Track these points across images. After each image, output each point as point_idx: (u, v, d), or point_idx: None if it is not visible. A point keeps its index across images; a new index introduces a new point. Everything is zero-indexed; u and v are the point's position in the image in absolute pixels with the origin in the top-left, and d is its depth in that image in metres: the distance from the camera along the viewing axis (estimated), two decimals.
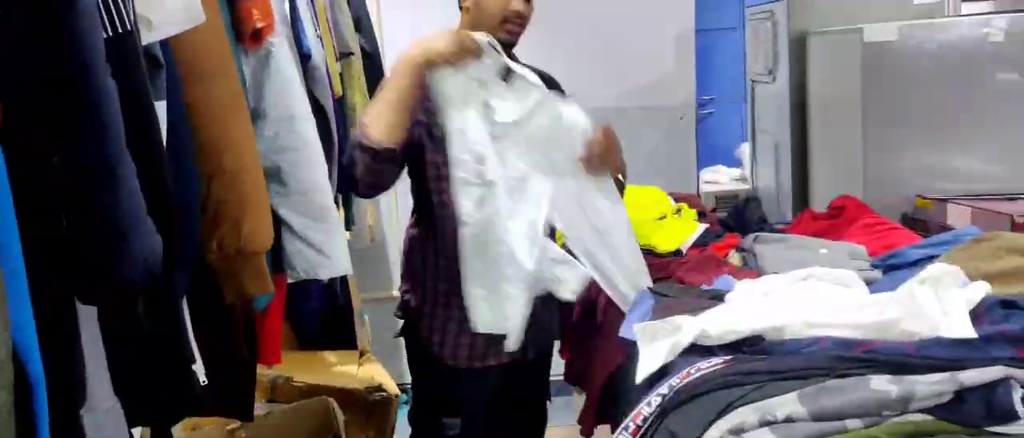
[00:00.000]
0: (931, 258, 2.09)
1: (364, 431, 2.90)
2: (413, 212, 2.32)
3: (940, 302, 1.58)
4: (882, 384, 1.44)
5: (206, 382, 1.43)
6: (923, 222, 3.20)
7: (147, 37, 1.18)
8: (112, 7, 1.00)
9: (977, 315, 1.55)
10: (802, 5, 3.99)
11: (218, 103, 1.44)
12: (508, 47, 2.19)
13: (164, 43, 1.27)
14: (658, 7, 4.23)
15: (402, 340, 2.37)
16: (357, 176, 2.01)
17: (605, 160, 2.15)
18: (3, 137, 0.81)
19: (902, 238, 2.57)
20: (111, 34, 1.00)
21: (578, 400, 2.95)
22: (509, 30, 2.18)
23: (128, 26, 1.04)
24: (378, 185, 2.08)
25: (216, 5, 1.49)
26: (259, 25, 1.65)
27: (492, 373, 2.27)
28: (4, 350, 0.71)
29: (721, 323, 1.79)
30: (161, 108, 1.21)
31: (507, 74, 2.06)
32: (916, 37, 3.38)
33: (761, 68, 4.30)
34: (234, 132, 1.48)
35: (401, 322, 2.34)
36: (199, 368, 1.42)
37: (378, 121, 1.97)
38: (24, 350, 0.80)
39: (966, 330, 1.49)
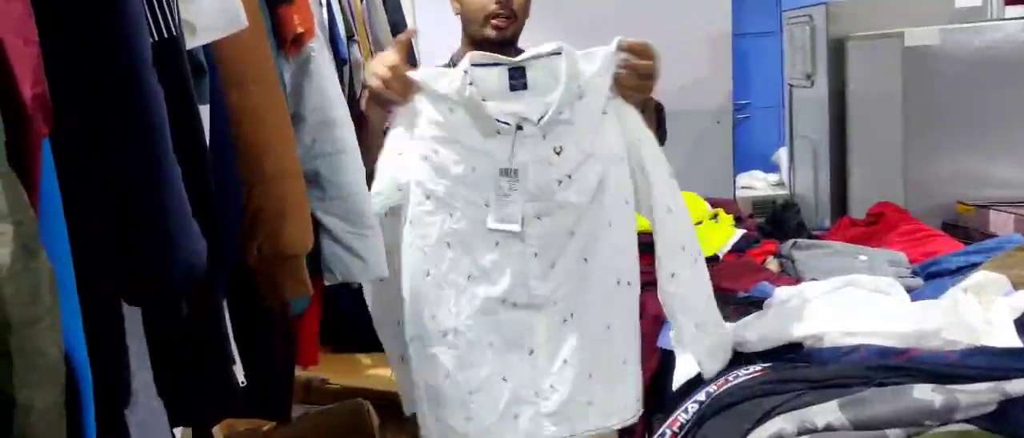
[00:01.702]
0: (973, 266, 2.06)
1: (398, 435, 2.90)
2: None
3: (984, 311, 1.56)
4: (925, 393, 1.42)
5: (245, 383, 1.44)
6: (964, 229, 3.15)
7: (190, 42, 1.20)
8: (158, 12, 1.02)
9: (1022, 324, 1.53)
10: (841, 9, 3.95)
11: (259, 108, 1.45)
12: (503, 45, 1.99)
13: (206, 48, 1.29)
14: (694, 11, 4.22)
15: None
16: None
17: (641, 82, 1.80)
18: (52, 140, 0.83)
19: (943, 245, 2.54)
20: (157, 39, 1.01)
21: None
22: (496, 26, 1.99)
23: (174, 31, 1.05)
24: None
25: (258, 10, 1.50)
26: (299, 30, 1.66)
27: None
28: (56, 352, 0.73)
29: (759, 330, 1.78)
30: (204, 113, 1.22)
31: (516, 79, 1.74)
32: (958, 40, 3.33)
33: (799, 72, 4.27)
34: (275, 137, 1.49)
35: None
36: (238, 369, 1.44)
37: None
38: (72, 351, 0.81)
39: (1011, 339, 1.47)
